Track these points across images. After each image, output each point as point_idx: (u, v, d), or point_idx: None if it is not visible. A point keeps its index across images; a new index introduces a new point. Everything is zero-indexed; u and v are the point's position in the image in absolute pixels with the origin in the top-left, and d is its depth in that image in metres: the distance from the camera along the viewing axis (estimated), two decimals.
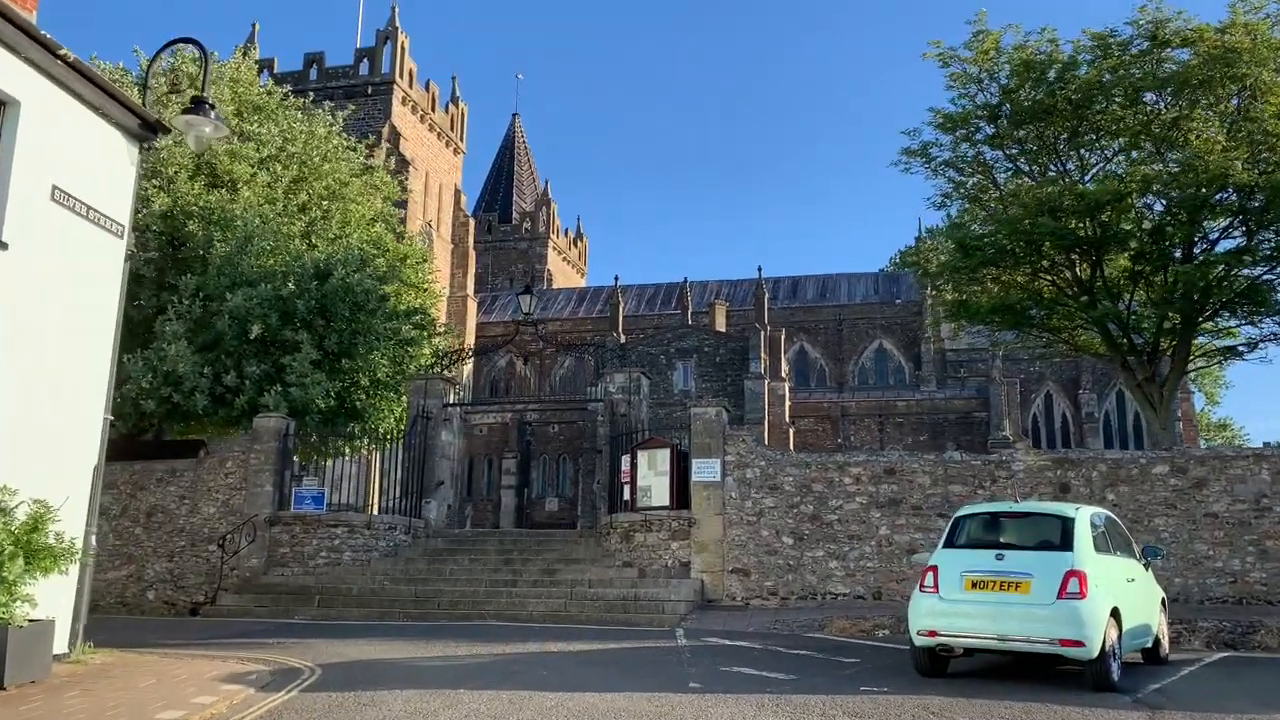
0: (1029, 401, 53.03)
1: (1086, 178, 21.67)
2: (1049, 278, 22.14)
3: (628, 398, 21.44)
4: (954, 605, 10.57)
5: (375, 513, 25.45)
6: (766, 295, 52.88)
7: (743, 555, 18.14)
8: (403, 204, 46.96)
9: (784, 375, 49.02)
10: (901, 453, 18.67)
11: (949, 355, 54.76)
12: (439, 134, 58.60)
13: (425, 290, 28.21)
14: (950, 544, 11.21)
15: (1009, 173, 23.18)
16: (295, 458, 26.49)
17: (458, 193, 60.33)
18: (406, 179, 51.05)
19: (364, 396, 24.49)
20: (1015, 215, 20.71)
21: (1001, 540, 11.00)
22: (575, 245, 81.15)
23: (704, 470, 18.51)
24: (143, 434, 25.20)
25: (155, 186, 22.71)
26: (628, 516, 19.10)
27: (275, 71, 52.46)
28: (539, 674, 11.27)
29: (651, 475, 19.09)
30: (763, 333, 48.09)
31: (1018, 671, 11.39)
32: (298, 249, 23.15)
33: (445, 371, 23.25)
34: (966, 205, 23.14)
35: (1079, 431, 51.78)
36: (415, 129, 55.61)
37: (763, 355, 47.07)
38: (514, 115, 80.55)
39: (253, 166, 24.49)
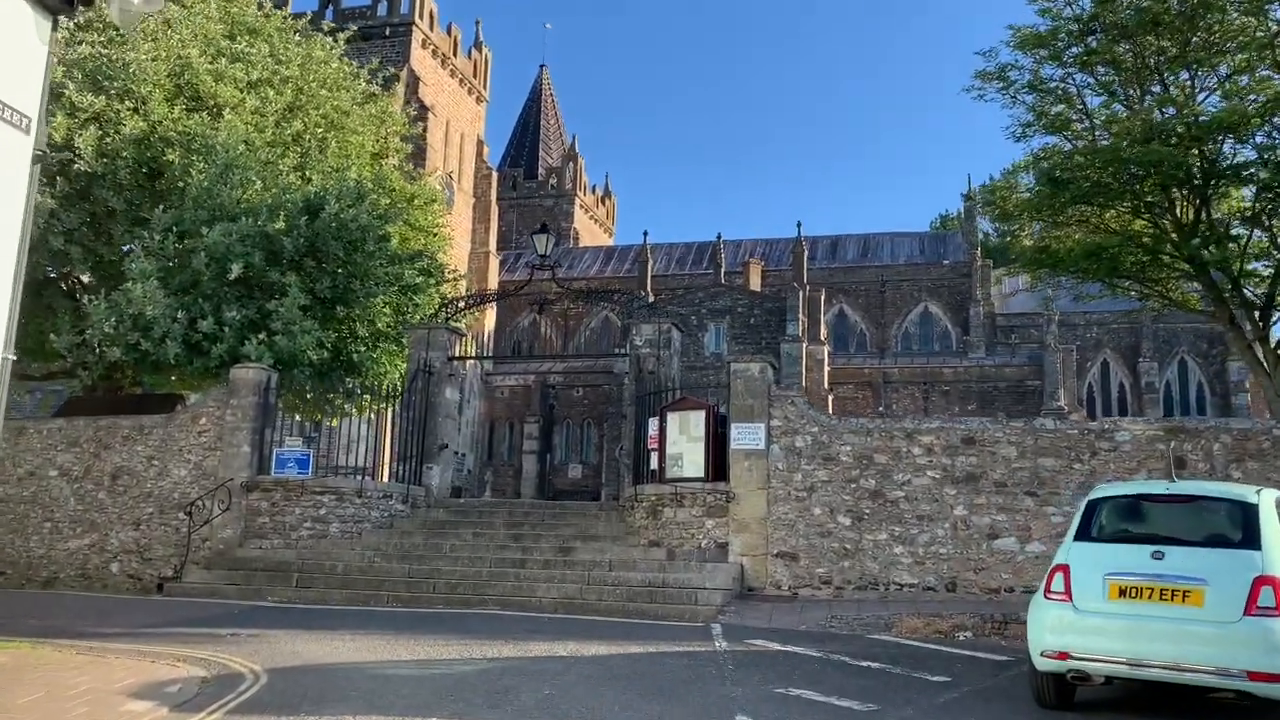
0: (1084, 370, 49.81)
1: (1195, 103, 18.55)
2: (1147, 218, 19.10)
3: (656, 353, 18.68)
4: (1094, 619, 7.85)
5: (387, 479, 22.93)
6: (805, 253, 49.76)
7: (790, 536, 15.44)
8: (417, 143, 44.18)
9: (822, 338, 46.07)
10: (983, 420, 15.82)
11: (999, 320, 51.55)
12: (460, 80, 55.67)
13: (435, 235, 25.51)
14: (1084, 535, 8.43)
15: (1101, 100, 20.08)
16: (297, 417, 24.10)
17: (480, 143, 57.49)
18: (425, 126, 48.43)
19: (363, 349, 21.94)
20: (1115, 144, 17.68)
21: (1158, 533, 8.21)
22: (603, 204, 78.26)
23: (745, 436, 15.79)
24: (120, 388, 22.85)
25: (129, 108, 20.09)
26: (655, 488, 16.44)
27: (289, 11, 49.68)
28: (541, 694, 8.66)
29: (684, 441, 16.38)
30: (801, 293, 45.12)
31: (1164, 703, 8.66)
32: (287, 181, 20.51)
33: (451, 321, 20.52)
34: (1052, 138, 20.00)
35: (1138, 402, 48.56)
36: (435, 74, 52.74)
37: (800, 316, 44.15)
38: (541, 66, 77.51)
39: (240, 90, 21.80)
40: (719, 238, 56.08)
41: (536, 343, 58.11)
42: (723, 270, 53.47)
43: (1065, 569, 8.17)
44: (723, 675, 9.65)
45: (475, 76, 57.54)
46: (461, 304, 20.92)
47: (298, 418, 23.76)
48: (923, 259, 54.83)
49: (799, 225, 52.03)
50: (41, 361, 23.01)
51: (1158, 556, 7.79)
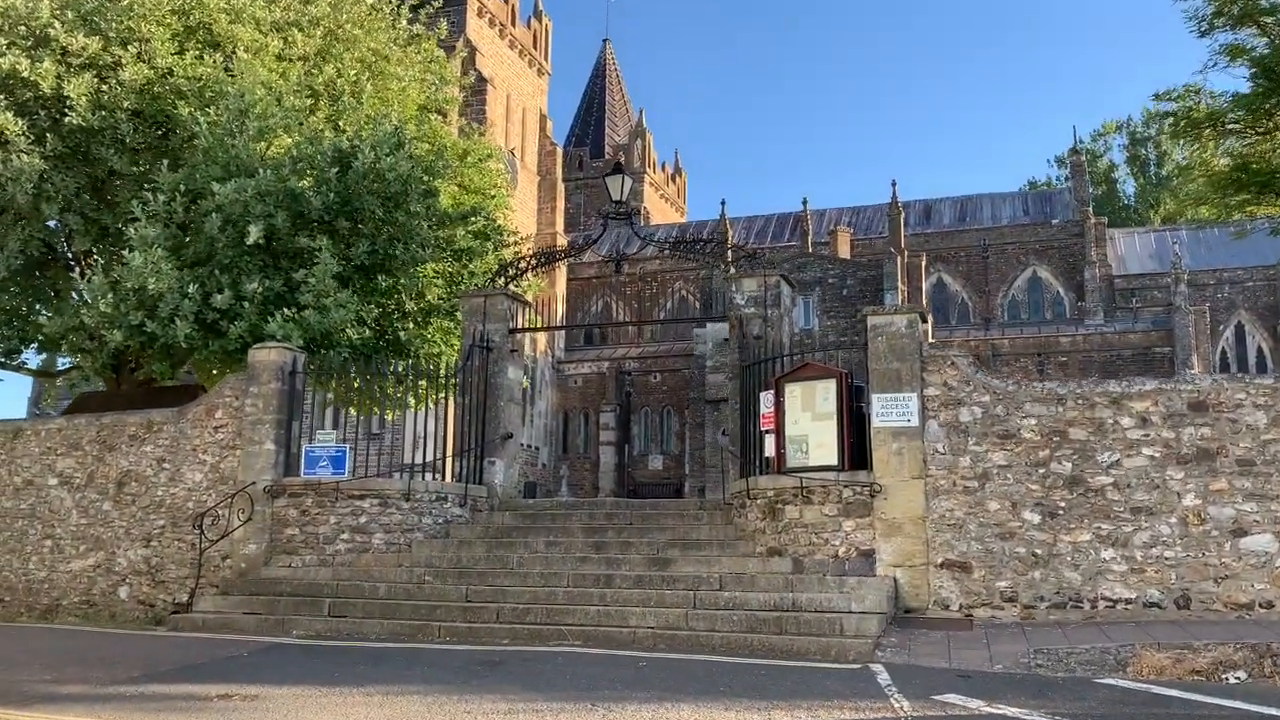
0: (1217, 333, 44.84)
1: None
2: None
3: (763, 312, 15.11)
4: None
5: (448, 477, 19.63)
6: (901, 215, 45.44)
7: (958, 540, 11.79)
8: (477, 115, 41.18)
9: (924, 308, 41.95)
10: (1216, 378, 11.94)
11: (1117, 283, 46.71)
12: (520, 51, 52.50)
13: (492, 198, 22.22)
14: None
15: None
16: (351, 410, 21.00)
17: (543, 118, 54.28)
18: (484, 99, 45.49)
19: (411, 325, 18.79)
20: None
21: None
22: (673, 181, 74.74)
23: (892, 411, 12.18)
24: (150, 380, 19.99)
25: (130, 53, 17.14)
26: (773, 481, 12.91)
27: None
28: None
29: (808, 420, 12.81)
30: (899, 258, 41.04)
31: None
32: (314, 129, 17.40)
33: (510, 286, 17.20)
34: (1242, 34, 16.02)
35: (1279, 368, 43.51)
36: (493, 45, 49.64)
37: (900, 285, 40.10)
38: (604, 40, 74.16)
39: (261, 32, 18.76)
40: (805, 204, 52.07)
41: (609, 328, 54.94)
42: (810, 239, 49.51)
43: None
44: None
45: (535, 48, 54.35)
46: (524, 264, 17.53)
47: (352, 411, 20.67)
48: (1027, 219, 50.06)
49: (894, 185, 47.92)
50: (55, 353, 20.35)
51: None
